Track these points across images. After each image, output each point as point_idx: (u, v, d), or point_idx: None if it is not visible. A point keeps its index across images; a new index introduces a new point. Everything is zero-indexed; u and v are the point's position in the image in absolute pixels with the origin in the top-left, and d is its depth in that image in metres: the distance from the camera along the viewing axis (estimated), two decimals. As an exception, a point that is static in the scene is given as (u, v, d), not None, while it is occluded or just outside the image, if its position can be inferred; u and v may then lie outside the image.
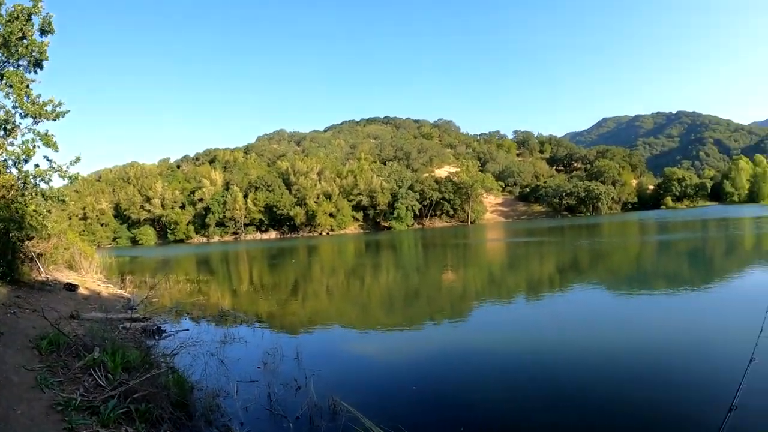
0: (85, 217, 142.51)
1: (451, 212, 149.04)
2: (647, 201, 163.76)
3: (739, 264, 25.76)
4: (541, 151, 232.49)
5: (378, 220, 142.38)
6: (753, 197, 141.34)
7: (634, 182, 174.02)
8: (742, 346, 10.29)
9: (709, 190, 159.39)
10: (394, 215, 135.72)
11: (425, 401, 9.07)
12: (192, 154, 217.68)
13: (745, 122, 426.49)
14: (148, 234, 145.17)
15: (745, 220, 59.10)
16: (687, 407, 7.97)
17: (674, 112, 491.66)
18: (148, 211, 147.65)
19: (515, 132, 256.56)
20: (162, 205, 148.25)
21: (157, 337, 14.10)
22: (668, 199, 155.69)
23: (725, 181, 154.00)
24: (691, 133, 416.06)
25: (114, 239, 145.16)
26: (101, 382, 7.19)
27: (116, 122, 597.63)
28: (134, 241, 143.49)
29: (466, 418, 8.11)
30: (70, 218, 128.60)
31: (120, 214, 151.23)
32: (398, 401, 9.11)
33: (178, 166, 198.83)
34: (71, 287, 19.43)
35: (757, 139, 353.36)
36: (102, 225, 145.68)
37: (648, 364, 10.44)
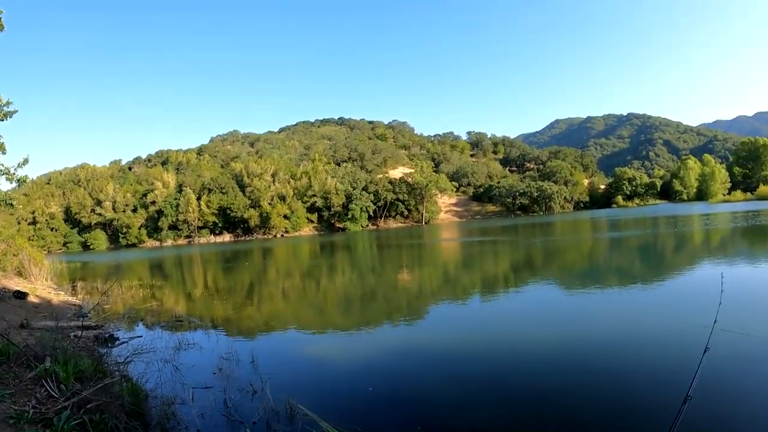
0: (34, 222, 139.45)
1: (406, 213, 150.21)
2: (599, 200, 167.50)
3: (689, 258, 26.37)
4: (495, 152, 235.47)
5: (332, 221, 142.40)
6: (701, 195, 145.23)
7: (585, 182, 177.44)
8: (696, 337, 10.67)
9: (658, 189, 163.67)
10: (349, 216, 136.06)
11: (382, 401, 9.11)
12: (144, 156, 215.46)
13: (694, 124, 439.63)
14: (99, 238, 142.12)
15: (694, 217, 60.53)
16: (643, 399, 8.14)
17: (625, 114, 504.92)
18: (99, 214, 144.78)
19: (469, 133, 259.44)
20: (113, 209, 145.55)
21: (109, 345, 13.90)
22: (619, 198, 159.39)
23: (674, 180, 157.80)
24: (641, 135, 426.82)
25: (65, 244, 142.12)
26: (54, 393, 7.08)
27: (66, 122, 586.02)
28: (85, 246, 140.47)
29: (423, 417, 8.20)
30: (18, 223, 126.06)
31: (70, 218, 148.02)
32: (355, 402, 9.11)
33: (130, 168, 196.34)
34: (21, 295, 19.05)
35: (705, 140, 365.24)
36: (52, 230, 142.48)
37: (603, 357, 10.64)
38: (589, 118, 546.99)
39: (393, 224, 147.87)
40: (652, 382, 8.96)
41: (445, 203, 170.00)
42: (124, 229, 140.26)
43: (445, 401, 8.93)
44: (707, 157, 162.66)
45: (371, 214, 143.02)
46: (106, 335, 14.65)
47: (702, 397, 6.81)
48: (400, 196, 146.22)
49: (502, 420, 7.95)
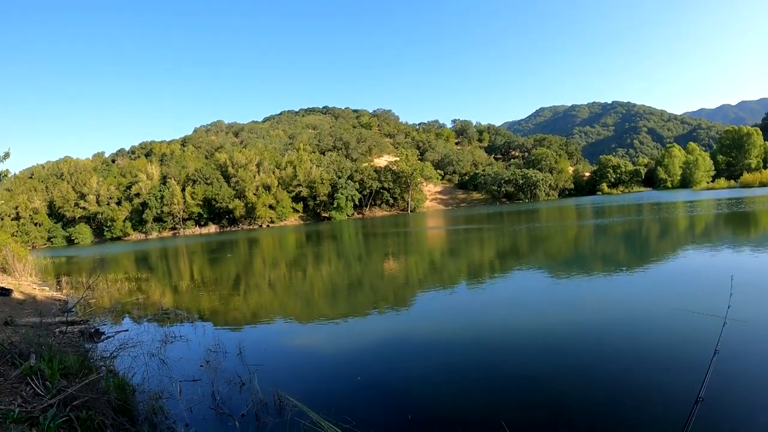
0: (17, 217, 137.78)
1: (391, 201, 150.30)
2: (584, 187, 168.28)
3: (674, 245, 26.30)
4: (480, 140, 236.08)
5: (318, 210, 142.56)
6: (685, 183, 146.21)
7: (570, 169, 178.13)
8: (683, 323, 10.81)
9: (643, 177, 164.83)
10: (334, 205, 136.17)
11: (371, 391, 9.13)
12: (127, 147, 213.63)
13: (678, 112, 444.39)
14: (84, 232, 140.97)
15: (679, 204, 60.82)
16: (629, 384, 8.24)
17: (609, 102, 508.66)
18: (83, 208, 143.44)
19: (454, 121, 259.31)
20: (97, 202, 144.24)
21: (95, 340, 13.79)
22: (604, 186, 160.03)
23: (659, 167, 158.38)
24: (625, 123, 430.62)
25: (49, 239, 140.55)
26: (39, 391, 7.00)
27: (47, 114, 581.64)
28: (70, 241, 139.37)
29: (413, 405, 8.23)
30: (2, 218, 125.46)
31: (54, 213, 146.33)
32: (344, 392, 9.12)
33: (113, 161, 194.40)
34: (5, 292, 18.90)
35: (689, 128, 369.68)
36: (36, 225, 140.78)
37: (592, 344, 10.67)
38: (573, 106, 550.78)
39: (378, 213, 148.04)
40: (638, 369, 9.01)
41: (430, 191, 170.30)
42: (109, 223, 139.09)
43: (435, 389, 8.95)
44: (692, 145, 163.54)
45: (357, 202, 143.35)
46: (92, 330, 14.53)
47: (713, 399, 6.87)
48: (386, 185, 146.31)
49: (491, 407, 7.95)
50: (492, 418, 7.40)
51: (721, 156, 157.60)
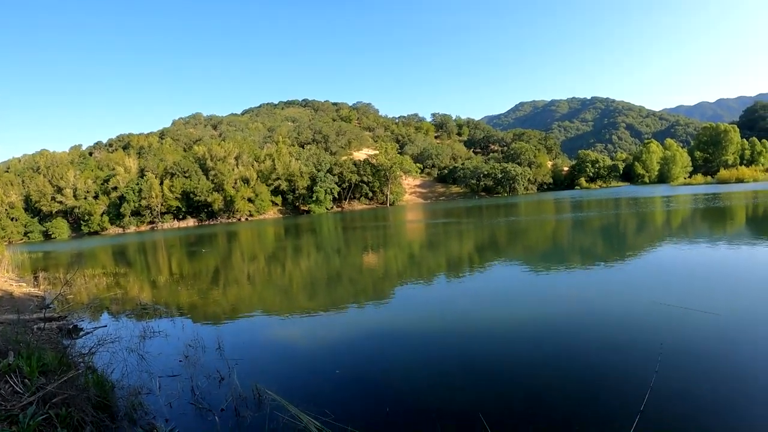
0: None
1: (370, 194, 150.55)
2: (562, 182, 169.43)
3: (650, 239, 26.56)
4: (459, 134, 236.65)
5: (297, 204, 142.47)
6: (662, 178, 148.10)
7: (549, 164, 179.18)
8: (657, 318, 10.97)
9: (621, 172, 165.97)
10: (314, 199, 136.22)
11: (350, 384, 9.20)
12: (105, 140, 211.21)
13: (656, 108, 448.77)
14: (61, 227, 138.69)
15: (656, 199, 61.50)
16: (608, 382, 8.33)
17: (588, 97, 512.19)
18: (60, 202, 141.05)
19: (433, 115, 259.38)
20: (74, 196, 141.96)
21: (73, 336, 13.75)
22: (582, 180, 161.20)
23: (636, 163, 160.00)
24: (604, 118, 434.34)
25: (25, 234, 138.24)
26: (18, 389, 6.99)
27: (24, 106, 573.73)
28: (47, 235, 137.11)
29: (391, 399, 8.32)
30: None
31: (31, 207, 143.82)
32: (323, 386, 9.15)
33: (91, 153, 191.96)
34: (-20, 287, 18.74)
35: (668, 124, 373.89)
36: (12, 219, 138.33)
37: (569, 338, 10.77)
38: (553, 101, 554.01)
39: (358, 206, 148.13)
40: (615, 367, 9.11)
41: (409, 185, 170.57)
42: (86, 217, 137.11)
43: (413, 382, 9.04)
44: (669, 141, 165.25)
45: (336, 196, 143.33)
46: (70, 326, 14.49)
47: (655, 412, 6.98)
48: (365, 178, 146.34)
49: (468, 399, 8.04)
50: (469, 410, 7.52)
51: (698, 152, 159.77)
